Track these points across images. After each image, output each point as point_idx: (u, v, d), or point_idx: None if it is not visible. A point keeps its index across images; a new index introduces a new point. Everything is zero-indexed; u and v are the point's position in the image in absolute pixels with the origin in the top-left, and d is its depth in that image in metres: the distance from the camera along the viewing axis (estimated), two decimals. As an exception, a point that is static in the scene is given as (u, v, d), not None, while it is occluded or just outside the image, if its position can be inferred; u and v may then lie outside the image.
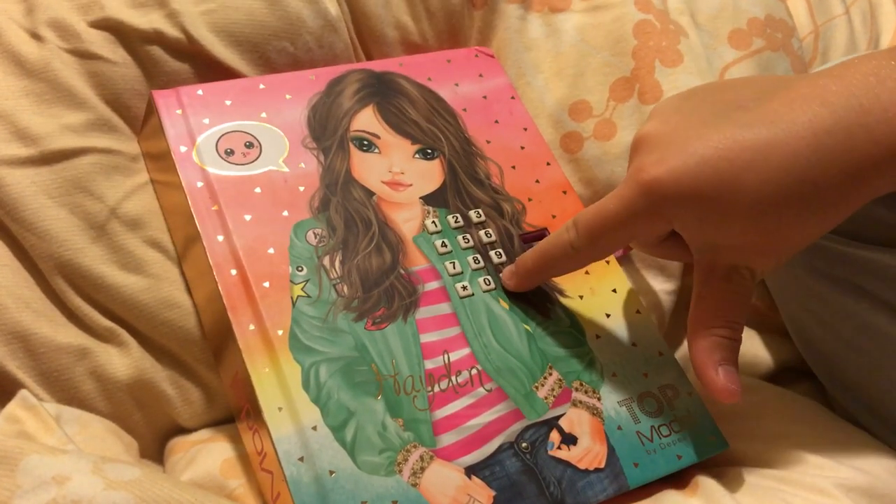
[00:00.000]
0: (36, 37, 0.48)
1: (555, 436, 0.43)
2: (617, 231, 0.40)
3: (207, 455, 0.44)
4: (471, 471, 0.40)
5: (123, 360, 0.46)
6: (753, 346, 0.57)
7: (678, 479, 0.45)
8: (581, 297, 0.48)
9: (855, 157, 0.34)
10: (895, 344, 0.47)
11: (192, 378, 0.47)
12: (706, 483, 0.43)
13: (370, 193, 0.47)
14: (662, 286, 0.54)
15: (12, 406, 0.41)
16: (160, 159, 0.47)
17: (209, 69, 0.50)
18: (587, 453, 0.42)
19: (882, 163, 0.34)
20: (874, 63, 0.35)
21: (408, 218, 0.47)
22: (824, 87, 0.35)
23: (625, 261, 0.54)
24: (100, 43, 0.48)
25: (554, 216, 0.50)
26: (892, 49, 0.36)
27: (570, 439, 0.43)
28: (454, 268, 0.46)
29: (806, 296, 0.51)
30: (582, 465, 0.42)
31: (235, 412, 0.44)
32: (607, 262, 0.50)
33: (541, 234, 0.49)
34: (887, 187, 0.36)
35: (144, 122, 0.49)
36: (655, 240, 0.43)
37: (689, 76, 0.55)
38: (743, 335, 0.55)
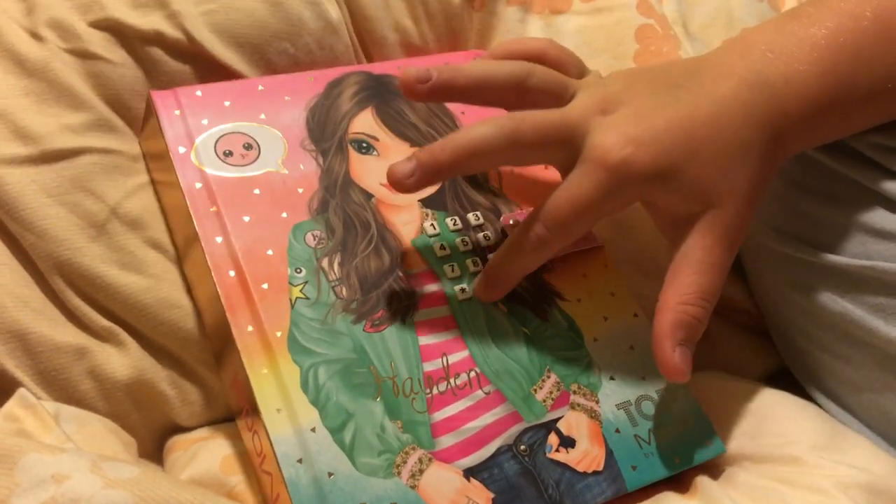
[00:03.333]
0: (36, 36, 0.48)
1: (553, 438, 0.43)
2: (588, 216, 0.42)
3: (208, 452, 0.44)
4: (469, 473, 0.40)
5: (122, 360, 0.45)
6: (752, 348, 0.58)
7: (677, 481, 0.45)
8: (579, 300, 0.48)
9: (773, 124, 0.43)
10: (877, 353, 0.47)
11: (191, 378, 0.47)
12: (705, 484, 0.43)
13: (369, 196, 0.47)
14: (655, 292, 0.54)
15: (11, 404, 0.41)
16: (160, 159, 0.47)
17: (210, 70, 0.50)
18: (585, 456, 0.43)
19: (792, 126, 0.43)
20: (767, 37, 0.44)
21: (406, 220, 0.47)
22: (732, 65, 0.43)
23: None
24: (100, 43, 0.48)
25: None
26: (782, 17, 0.44)
27: (568, 442, 0.43)
28: (453, 271, 0.46)
29: (789, 308, 0.52)
30: (580, 468, 0.42)
31: (236, 413, 0.44)
32: (605, 266, 0.50)
33: None
34: (799, 147, 0.45)
35: (144, 122, 0.49)
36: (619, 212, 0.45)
37: None
38: (737, 338, 0.56)
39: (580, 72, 0.50)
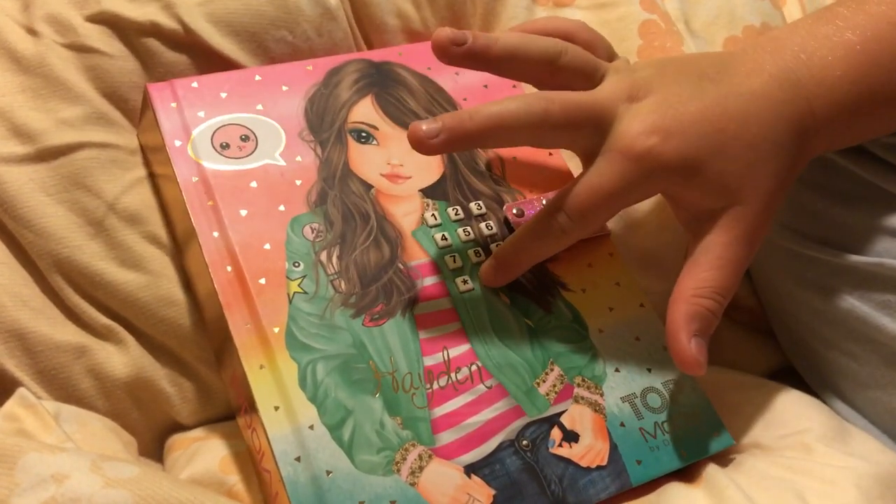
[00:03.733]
0: (32, 32, 0.48)
1: (556, 433, 0.42)
2: (612, 205, 0.42)
3: (207, 452, 0.44)
4: (470, 469, 0.40)
5: (122, 359, 0.45)
6: (754, 346, 0.57)
7: (683, 469, 0.44)
8: (584, 290, 0.47)
9: (801, 123, 0.42)
10: (884, 350, 0.47)
11: (190, 376, 0.47)
12: (712, 473, 0.43)
13: (368, 186, 0.47)
14: (660, 286, 0.53)
15: (11, 404, 0.41)
16: (157, 152, 0.47)
17: (207, 60, 0.50)
18: (589, 451, 0.42)
19: (819, 128, 0.42)
20: (799, 39, 0.43)
21: (407, 211, 0.46)
22: (762, 62, 0.42)
23: None
24: (96, 37, 0.48)
25: None
26: (814, 18, 0.43)
27: (571, 436, 0.42)
28: (454, 262, 0.45)
29: (795, 305, 0.52)
30: (584, 463, 0.41)
31: (235, 410, 0.44)
32: (611, 255, 0.49)
33: None
34: (824, 148, 0.44)
35: (141, 115, 0.49)
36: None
37: None
38: (739, 336, 0.56)
39: (610, 55, 0.49)
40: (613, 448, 0.42)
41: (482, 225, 0.47)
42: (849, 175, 0.48)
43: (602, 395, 0.44)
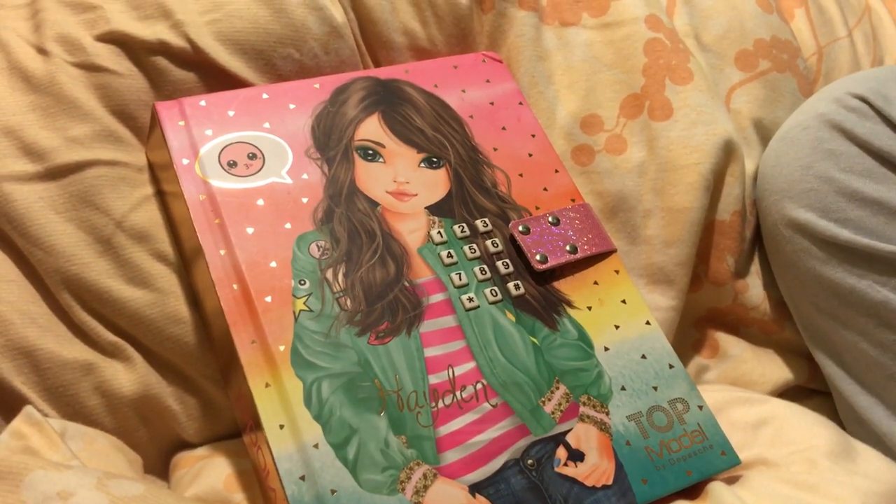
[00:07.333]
0: (42, 52, 0.48)
1: (561, 452, 0.42)
2: None
3: (212, 470, 0.44)
4: (475, 489, 0.40)
5: (129, 376, 0.46)
6: (762, 364, 0.57)
7: (688, 486, 0.44)
8: (589, 308, 0.47)
9: None
10: None
11: (196, 393, 0.47)
12: (717, 490, 0.43)
13: (374, 204, 0.47)
14: (666, 303, 0.53)
15: (17, 422, 0.41)
16: (165, 170, 0.47)
17: (215, 78, 0.50)
18: (594, 470, 0.42)
19: None
20: None
21: (413, 228, 0.47)
22: None
23: None
24: (106, 56, 0.48)
25: None
26: None
27: (577, 455, 0.42)
28: (460, 279, 0.45)
29: (821, 294, 0.51)
30: (589, 483, 0.41)
31: (241, 427, 0.44)
32: (617, 272, 0.49)
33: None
34: None
35: (150, 133, 0.49)
36: None
37: (700, 94, 0.55)
38: (750, 353, 0.56)
39: None
40: (619, 467, 0.42)
41: (488, 242, 0.47)
42: (889, 162, 0.48)
43: (608, 413, 0.44)
